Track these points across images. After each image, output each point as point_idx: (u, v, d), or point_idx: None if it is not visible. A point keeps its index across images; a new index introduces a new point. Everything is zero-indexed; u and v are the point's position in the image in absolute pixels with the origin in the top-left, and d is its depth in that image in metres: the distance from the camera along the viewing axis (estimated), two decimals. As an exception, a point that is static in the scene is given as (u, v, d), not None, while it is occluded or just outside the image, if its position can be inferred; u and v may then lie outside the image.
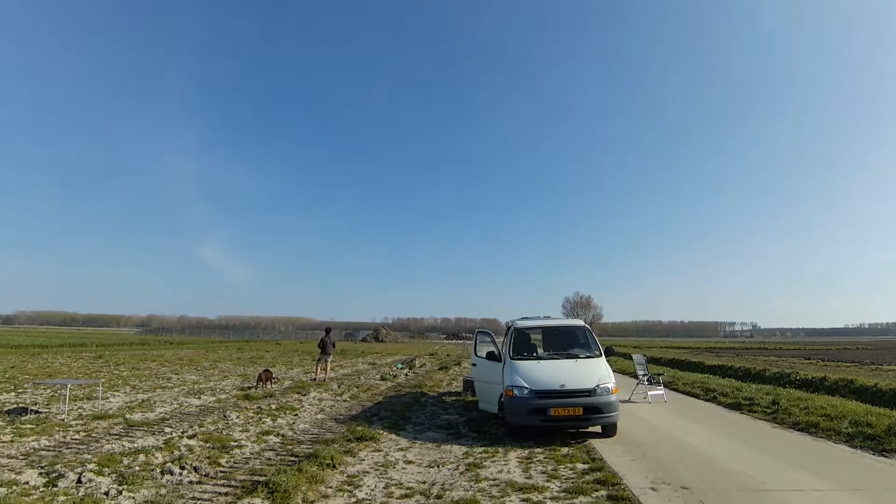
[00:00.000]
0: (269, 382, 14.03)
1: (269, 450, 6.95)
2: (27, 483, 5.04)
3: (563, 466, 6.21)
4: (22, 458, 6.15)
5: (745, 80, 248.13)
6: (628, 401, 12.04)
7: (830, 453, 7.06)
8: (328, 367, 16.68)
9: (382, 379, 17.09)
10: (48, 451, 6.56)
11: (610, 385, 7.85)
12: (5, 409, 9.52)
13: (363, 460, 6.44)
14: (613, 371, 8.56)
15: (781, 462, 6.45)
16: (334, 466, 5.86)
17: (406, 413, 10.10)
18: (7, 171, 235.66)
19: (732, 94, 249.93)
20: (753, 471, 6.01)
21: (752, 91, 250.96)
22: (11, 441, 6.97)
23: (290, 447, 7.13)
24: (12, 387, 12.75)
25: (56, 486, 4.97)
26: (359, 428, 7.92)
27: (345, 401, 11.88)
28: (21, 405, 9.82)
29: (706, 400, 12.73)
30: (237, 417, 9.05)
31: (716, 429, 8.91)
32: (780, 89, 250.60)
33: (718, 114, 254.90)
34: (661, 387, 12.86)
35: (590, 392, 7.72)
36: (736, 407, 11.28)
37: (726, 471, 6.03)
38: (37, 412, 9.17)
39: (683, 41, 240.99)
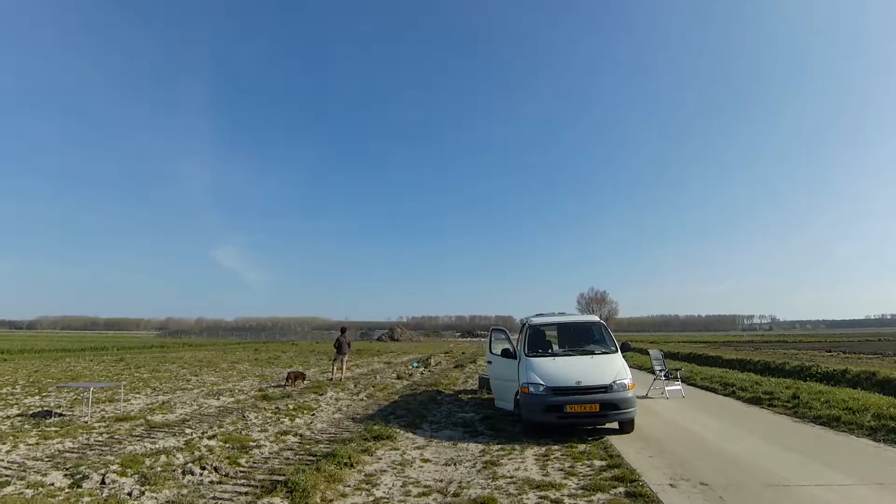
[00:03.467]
0: (297, 381, 14.86)
1: (288, 449, 7.02)
2: (53, 484, 5.16)
3: (580, 463, 6.19)
4: (47, 459, 6.30)
5: (746, 72, 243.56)
6: (645, 396, 11.93)
7: (853, 447, 6.93)
8: (344, 367, 16.79)
9: (398, 378, 17.15)
10: (72, 452, 6.71)
11: (626, 381, 7.80)
12: (30, 412, 9.76)
13: (380, 459, 6.48)
14: (630, 367, 8.49)
15: (802, 457, 6.35)
16: (352, 465, 5.90)
17: (422, 411, 10.13)
18: (26, 179, 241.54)
19: (743, 84, 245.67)
20: (774, 466, 5.93)
21: (758, 83, 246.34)
22: (37, 443, 7.15)
23: (308, 447, 7.20)
24: (37, 390, 13.05)
25: (81, 487, 5.08)
26: (376, 427, 7.96)
27: (361, 400, 11.96)
28: (45, 408, 10.05)
29: (725, 395, 12.57)
30: (256, 418, 9.16)
31: (735, 424, 8.80)
32: (789, 81, 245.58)
33: (732, 104, 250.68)
34: (679, 382, 12.72)
35: (606, 388, 7.67)
36: (755, 401, 11.12)
37: (746, 466, 5.95)
38: (61, 415, 9.38)
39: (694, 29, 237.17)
